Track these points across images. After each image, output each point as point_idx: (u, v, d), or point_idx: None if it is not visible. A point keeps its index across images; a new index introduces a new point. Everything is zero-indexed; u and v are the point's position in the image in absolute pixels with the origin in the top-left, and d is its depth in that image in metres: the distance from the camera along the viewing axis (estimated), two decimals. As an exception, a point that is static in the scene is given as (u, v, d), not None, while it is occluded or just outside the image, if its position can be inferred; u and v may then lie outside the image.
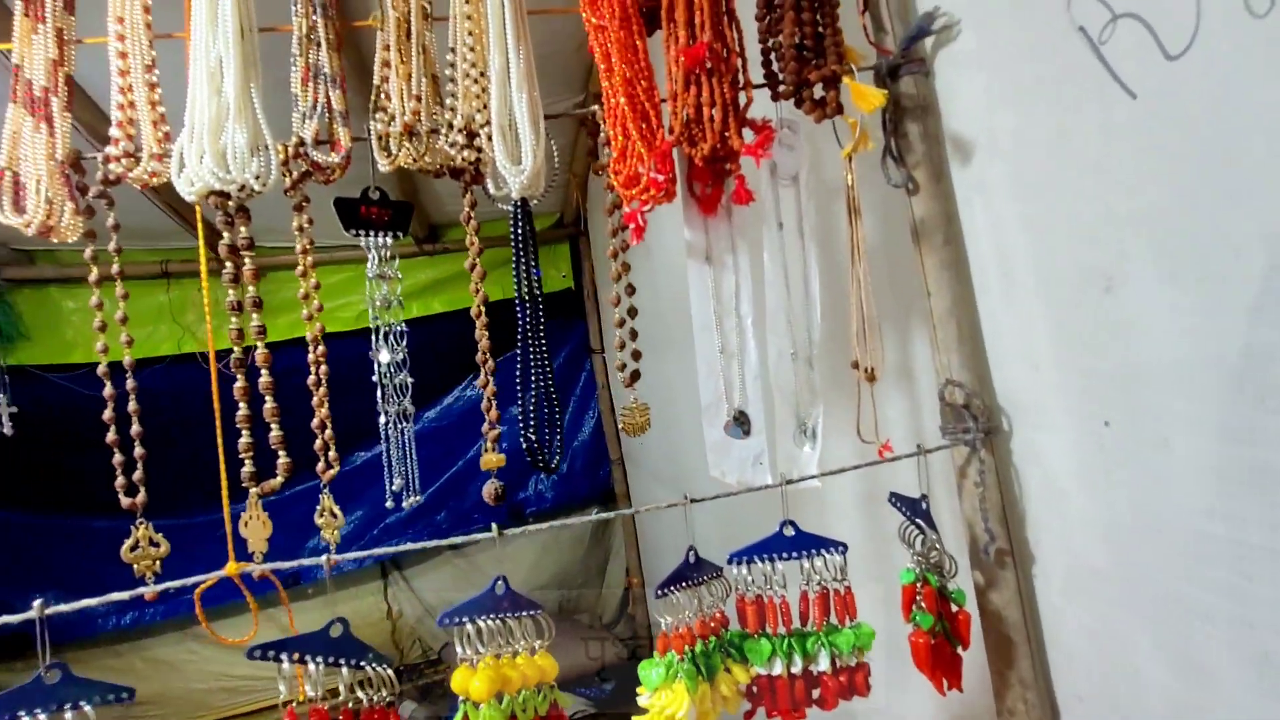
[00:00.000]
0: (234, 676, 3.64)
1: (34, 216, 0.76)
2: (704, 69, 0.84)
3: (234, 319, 0.80)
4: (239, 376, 0.82)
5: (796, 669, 0.89)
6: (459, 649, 0.78)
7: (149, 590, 0.75)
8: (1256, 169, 0.61)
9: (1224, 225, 0.65)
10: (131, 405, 0.86)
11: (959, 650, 0.95)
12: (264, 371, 0.82)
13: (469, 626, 0.78)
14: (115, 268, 0.83)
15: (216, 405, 0.90)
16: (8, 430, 1.08)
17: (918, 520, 0.93)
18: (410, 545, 0.81)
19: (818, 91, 0.91)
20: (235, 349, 0.82)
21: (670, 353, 2.53)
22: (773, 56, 0.94)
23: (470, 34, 0.82)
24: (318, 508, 0.86)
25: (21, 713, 0.70)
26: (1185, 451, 0.72)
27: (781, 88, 0.91)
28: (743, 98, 0.89)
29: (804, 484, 0.92)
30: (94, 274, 0.82)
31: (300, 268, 0.85)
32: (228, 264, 0.81)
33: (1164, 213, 0.71)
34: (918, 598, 0.92)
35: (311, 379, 0.88)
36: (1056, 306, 0.86)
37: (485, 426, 0.86)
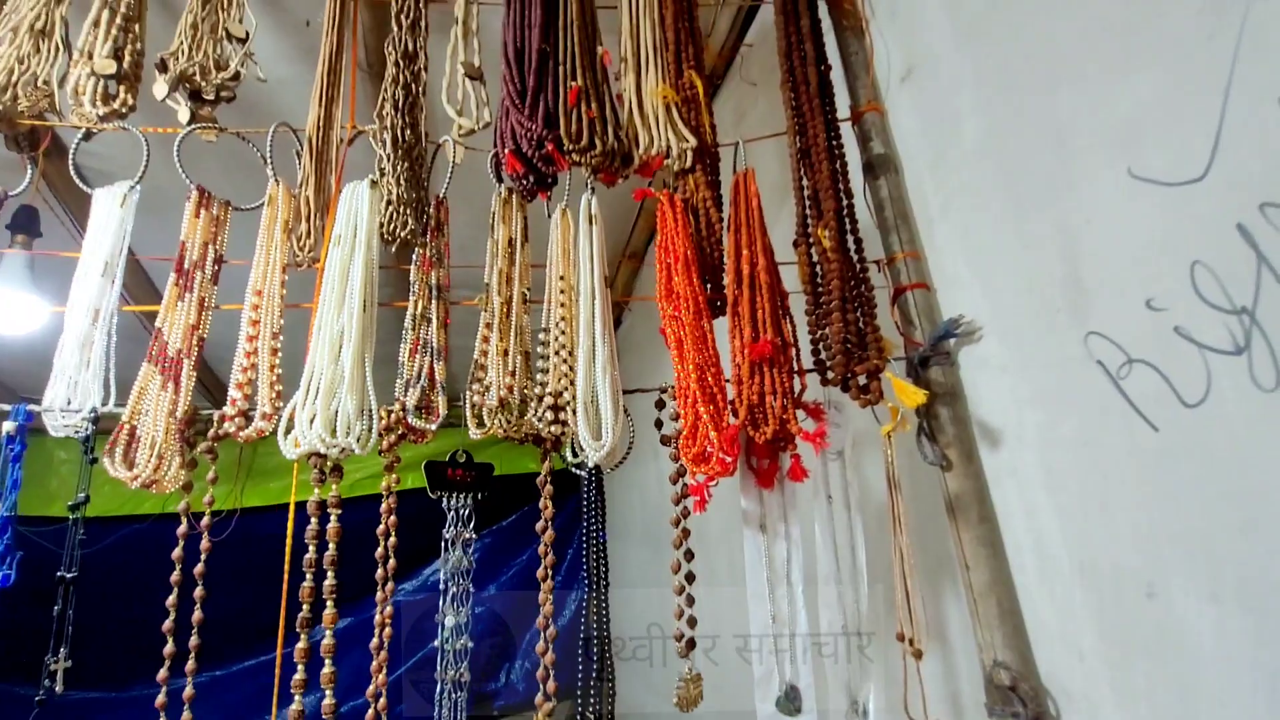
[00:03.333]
0: None
1: (142, 472, 0.79)
2: (766, 362, 0.95)
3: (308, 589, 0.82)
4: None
5: None
6: None
7: None
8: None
9: (1263, 556, 0.69)
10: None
11: None
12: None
13: None
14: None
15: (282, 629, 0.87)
16: None
17: (976, 820, 0.89)
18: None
19: (862, 380, 1.02)
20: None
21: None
22: (821, 346, 1.05)
23: (563, 319, 0.93)
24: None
25: None
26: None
27: (830, 375, 1.02)
28: (798, 382, 0.99)
29: (859, 772, 0.89)
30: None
31: (382, 526, 0.87)
32: (313, 519, 0.84)
33: (1201, 534, 0.75)
34: None
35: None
36: (1098, 601, 0.89)
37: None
